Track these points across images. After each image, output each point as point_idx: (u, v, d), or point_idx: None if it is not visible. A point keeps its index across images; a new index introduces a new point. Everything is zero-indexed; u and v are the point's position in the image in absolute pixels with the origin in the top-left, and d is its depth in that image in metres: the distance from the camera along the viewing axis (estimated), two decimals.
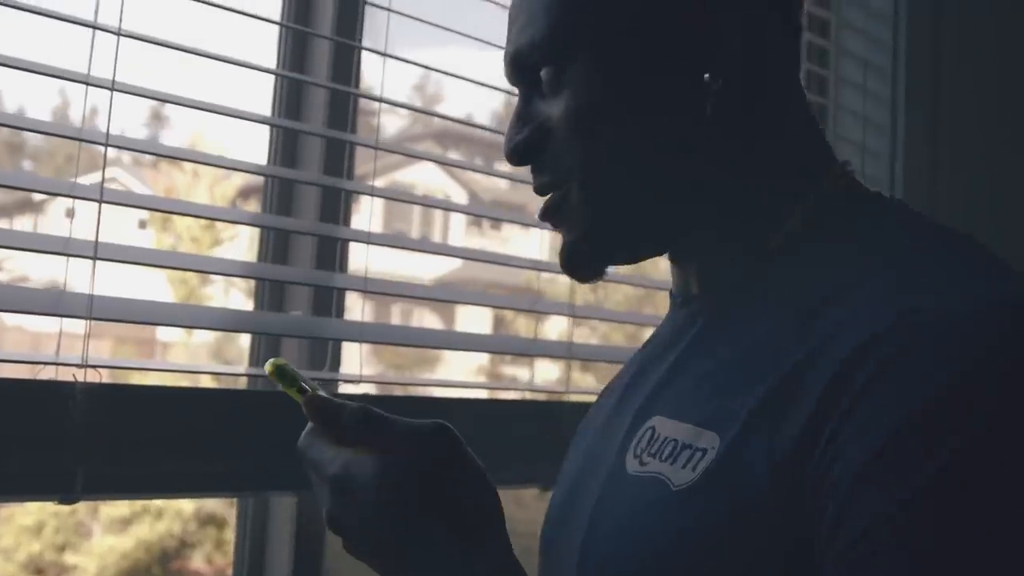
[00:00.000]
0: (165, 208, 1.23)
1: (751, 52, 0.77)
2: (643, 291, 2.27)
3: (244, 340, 1.44)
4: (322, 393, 0.80)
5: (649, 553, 0.73)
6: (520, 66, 0.83)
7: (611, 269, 0.89)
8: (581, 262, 0.84)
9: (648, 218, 0.82)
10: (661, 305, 1.58)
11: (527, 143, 0.82)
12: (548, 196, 0.83)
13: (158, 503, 3.92)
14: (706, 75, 0.76)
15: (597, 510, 0.80)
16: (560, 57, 0.79)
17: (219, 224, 3.45)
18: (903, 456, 0.62)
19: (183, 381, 1.81)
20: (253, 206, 3.76)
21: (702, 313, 0.83)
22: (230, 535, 4.06)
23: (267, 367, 0.81)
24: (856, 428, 0.64)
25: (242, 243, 3.57)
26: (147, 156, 1.22)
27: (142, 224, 3.70)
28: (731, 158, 0.79)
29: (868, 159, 2.25)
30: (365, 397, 1.33)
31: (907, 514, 0.61)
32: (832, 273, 0.74)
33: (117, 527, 3.99)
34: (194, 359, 3.79)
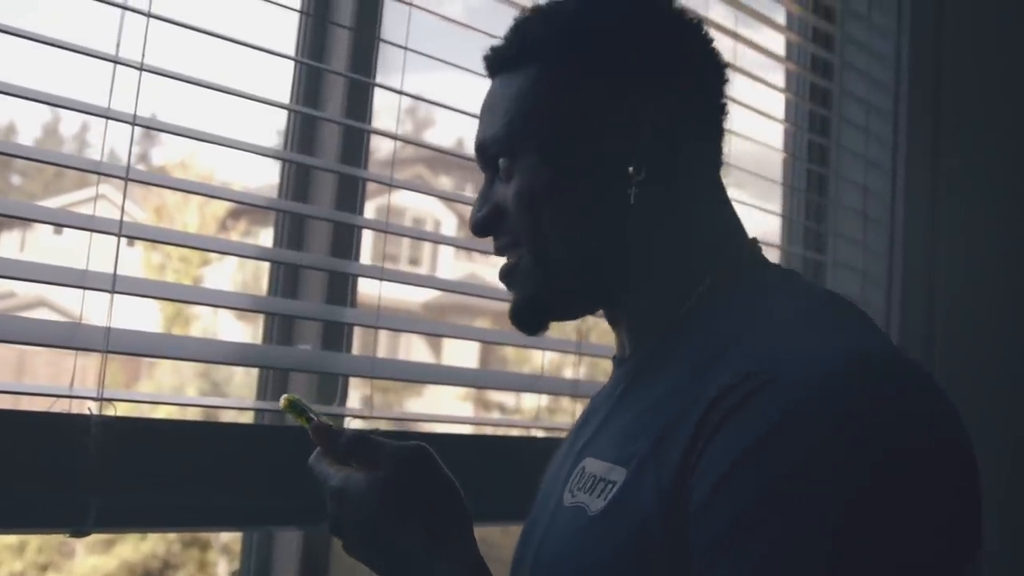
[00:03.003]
0: (183, 243, 1.23)
1: (666, 151, 0.93)
2: None
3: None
4: (326, 421, 0.97)
5: (574, 573, 0.87)
6: (483, 155, 1.00)
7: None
8: (526, 318, 1.01)
9: (582, 283, 0.98)
10: None
11: (485, 220, 1.00)
12: (504, 262, 1.00)
13: None
14: (630, 168, 0.93)
15: (542, 538, 0.96)
16: (513, 150, 0.97)
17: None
18: (735, 485, 0.75)
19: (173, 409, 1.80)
20: (243, 227, 3.74)
21: (630, 372, 0.98)
22: (213, 557, 4.02)
23: (281, 402, 0.99)
24: (706, 461, 0.78)
25: (231, 263, 3.55)
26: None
27: (130, 241, 3.67)
28: (652, 236, 0.95)
29: (869, 199, 2.27)
30: (376, 432, 1.32)
31: (733, 535, 0.74)
32: (724, 334, 0.88)
33: (100, 547, 3.95)
34: (180, 380, 3.77)
